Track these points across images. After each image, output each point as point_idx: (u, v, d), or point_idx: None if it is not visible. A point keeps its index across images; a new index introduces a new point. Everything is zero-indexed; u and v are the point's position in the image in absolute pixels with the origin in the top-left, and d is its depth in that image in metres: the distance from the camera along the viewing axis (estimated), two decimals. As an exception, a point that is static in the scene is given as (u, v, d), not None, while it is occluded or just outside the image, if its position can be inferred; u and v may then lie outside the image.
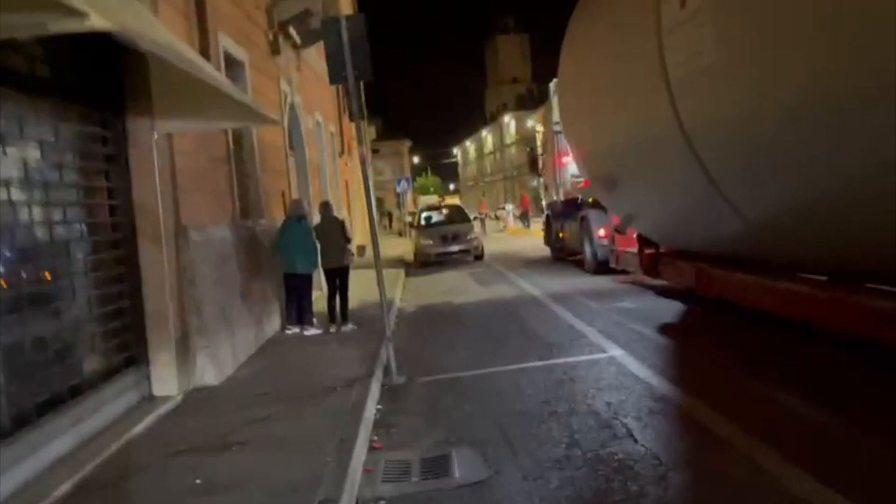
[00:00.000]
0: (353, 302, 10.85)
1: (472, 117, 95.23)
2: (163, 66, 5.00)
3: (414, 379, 6.50)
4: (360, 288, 13.99)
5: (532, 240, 25.14)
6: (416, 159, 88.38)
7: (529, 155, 18.04)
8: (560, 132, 15.41)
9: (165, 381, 5.89)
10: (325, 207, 9.17)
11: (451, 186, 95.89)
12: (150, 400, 5.76)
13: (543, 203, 19.68)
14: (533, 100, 70.83)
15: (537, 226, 32.89)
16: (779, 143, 5.16)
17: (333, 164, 17.57)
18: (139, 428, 5.21)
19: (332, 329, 8.79)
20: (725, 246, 7.49)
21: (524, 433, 4.67)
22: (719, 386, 5.35)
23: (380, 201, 55.96)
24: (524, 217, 35.15)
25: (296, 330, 8.75)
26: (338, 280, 8.94)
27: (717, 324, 7.73)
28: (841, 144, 4.62)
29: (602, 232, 12.66)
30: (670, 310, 8.68)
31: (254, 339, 7.92)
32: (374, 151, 60.03)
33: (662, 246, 10.06)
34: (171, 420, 5.45)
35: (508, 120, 71.51)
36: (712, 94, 5.67)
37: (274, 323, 8.99)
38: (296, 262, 8.64)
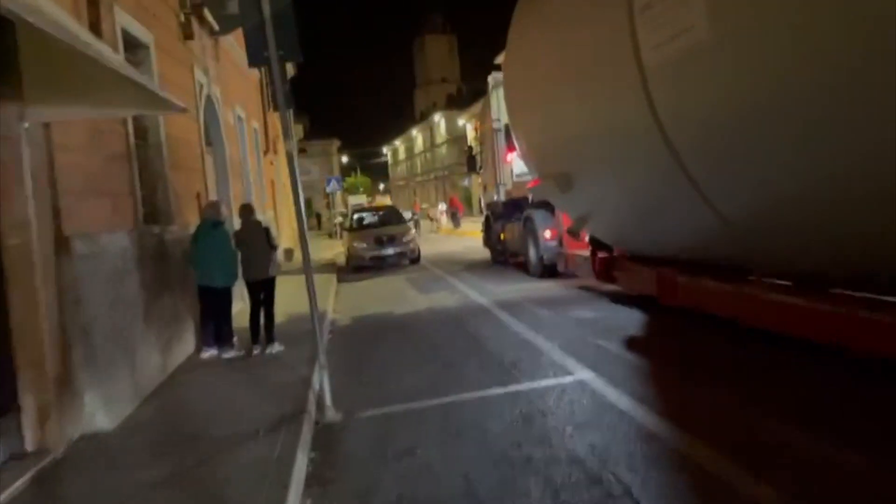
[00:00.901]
0: (279, 316, 9.78)
1: (402, 117, 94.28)
2: (36, 37, 3.88)
3: (354, 414, 5.52)
4: (288, 298, 12.85)
5: (467, 241, 24.40)
6: (344, 159, 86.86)
7: (467, 154, 17.21)
8: (500, 129, 14.69)
9: (42, 431, 4.71)
10: (246, 211, 8.03)
11: (381, 186, 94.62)
12: (21, 458, 4.58)
13: (482, 203, 18.94)
14: (462, 99, 70.43)
15: (469, 226, 32.25)
16: (777, 135, 4.45)
17: (257, 162, 16.30)
18: (2, 498, 4.05)
19: (256, 351, 7.69)
20: (696, 250, 6.81)
21: (498, 491, 3.77)
22: (719, 420, 4.58)
23: (308, 202, 54.45)
24: (454, 217, 34.43)
25: (213, 353, 7.61)
26: (262, 293, 7.84)
27: (687, 337, 7.04)
28: (857, 137, 3.94)
29: (548, 234, 11.94)
30: (631, 320, 7.97)
31: (161, 368, 6.75)
32: (302, 151, 58.45)
33: (616, 249, 9.41)
34: (45, 485, 4.30)
35: (439, 119, 70.81)
36: (698, 78, 4.92)
37: (187, 345, 7.81)
38: (213, 273, 7.51)
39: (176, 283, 7.56)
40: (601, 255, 9.53)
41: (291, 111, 7.18)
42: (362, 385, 6.35)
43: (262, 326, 7.79)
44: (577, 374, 5.84)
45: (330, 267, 18.13)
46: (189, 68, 9.86)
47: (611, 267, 9.32)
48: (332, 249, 24.03)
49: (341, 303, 12.20)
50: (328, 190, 32.17)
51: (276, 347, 7.65)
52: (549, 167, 8.64)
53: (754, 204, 5.26)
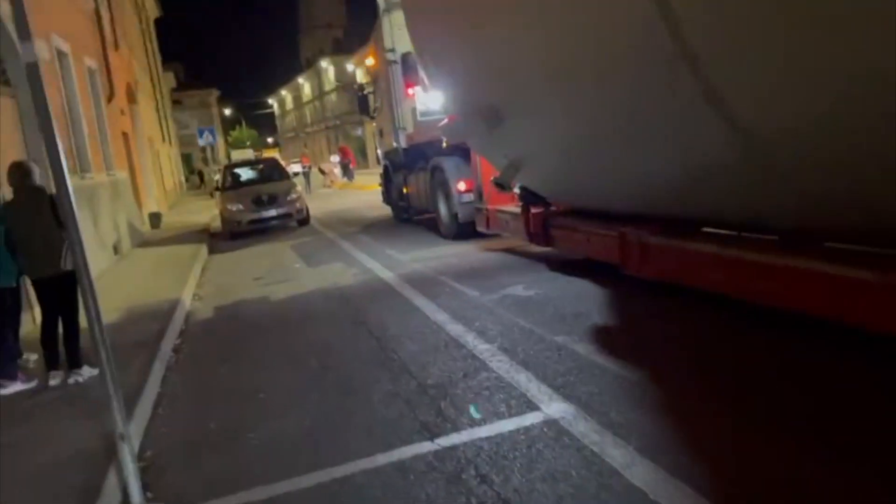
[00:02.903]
0: (113, 311, 7.25)
1: (288, 65, 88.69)
2: None
3: (182, 516, 3.24)
4: (142, 279, 10.16)
5: (364, 196, 21.97)
6: (227, 111, 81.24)
7: (359, 95, 14.67)
8: (395, 61, 12.26)
9: None
10: (18, 173, 5.21)
11: (270, 140, 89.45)
12: None
13: (378, 152, 16.54)
14: (350, 43, 66.23)
15: (366, 179, 29.65)
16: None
17: (96, 111, 13.13)
18: None
19: (54, 380, 5.15)
20: (684, 199, 4.83)
21: None
22: None
23: (186, 157, 49.83)
24: (346, 170, 31.64)
25: (-14, 388, 5.05)
26: (55, 295, 5.23)
27: (678, 325, 5.11)
28: None
29: (462, 185, 9.79)
30: (588, 299, 5.98)
31: None
32: (176, 102, 53.32)
33: (555, 204, 7.39)
34: None
35: (326, 65, 66.66)
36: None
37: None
38: (-28, 270, 4.90)
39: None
40: (535, 210, 7.50)
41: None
42: (207, 444, 4.02)
43: (62, 343, 5.24)
44: (543, 405, 3.77)
45: (201, 235, 15.30)
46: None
47: (547, 225, 7.30)
48: (211, 211, 20.95)
49: (207, 284, 9.64)
50: (201, 143, 28.54)
51: (86, 373, 5.14)
52: (472, 98, 6.42)
53: (789, 120, 3.28)
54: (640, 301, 5.68)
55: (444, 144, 10.20)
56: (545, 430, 3.48)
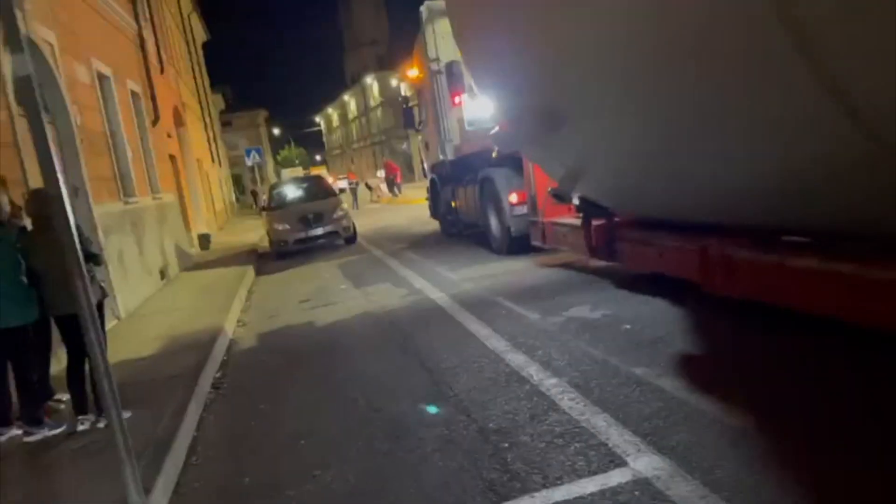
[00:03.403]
0: (164, 332, 6.92)
1: (333, 83, 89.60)
2: None
3: None
4: (188, 303, 9.88)
5: (411, 210, 21.56)
6: (276, 131, 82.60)
7: (404, 108, 14.25)
8: (440, 71, 11.80)
9: None
10: (39, 203, 4.85)
11: (318, 157, 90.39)
12: None
13: (424, 166, 16.10)
14: (394, 58, 66.35)
15: (412, 193, 29.28)
16: None
17: (140, 135, 13.01)
18: None
19: (82, 425, 4.76)
20: (789, 207, 4.16)
21: None
22: None
23: (237, 178, 50.49)
24: (391, 185, 31.29)
25: (11, 434, 4.69)
26: (79, 333, 4.82)
27: (779, 351, 4.43)
28: None
29: (514, 198, 9.19)
30: (664, 320, 5.33)
31: None
32: (226, 124, 54.19)
33: (620, 215, 6.74)
34: None
35: (371, 81, 67.04)
36: None
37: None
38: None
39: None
40: (597, 222, 6.87)
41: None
42: (241, 503, 3.53)
43: (90, 384, 4.84)
44: (630, 458, 3.16)
45: (249, 256, 15.07)
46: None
47: (611, 238, 6.67)
48: (259, 231, 20.82)
49: (252, 308, 9.28)
50: (248, 163, 28.53)
51: (96, 422, 4.71)
52: (526, 102, 5.84)
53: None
54: (727, 323, 5.00)
55: (494, 155, 9.65)
56: (636, 493, 2.87)
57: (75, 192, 8.64)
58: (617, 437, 3.38)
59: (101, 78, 10.74)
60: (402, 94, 16.11)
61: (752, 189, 4.20)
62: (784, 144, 3.42)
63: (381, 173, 33.66)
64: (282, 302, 9.33)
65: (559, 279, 7.54)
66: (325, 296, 9.13)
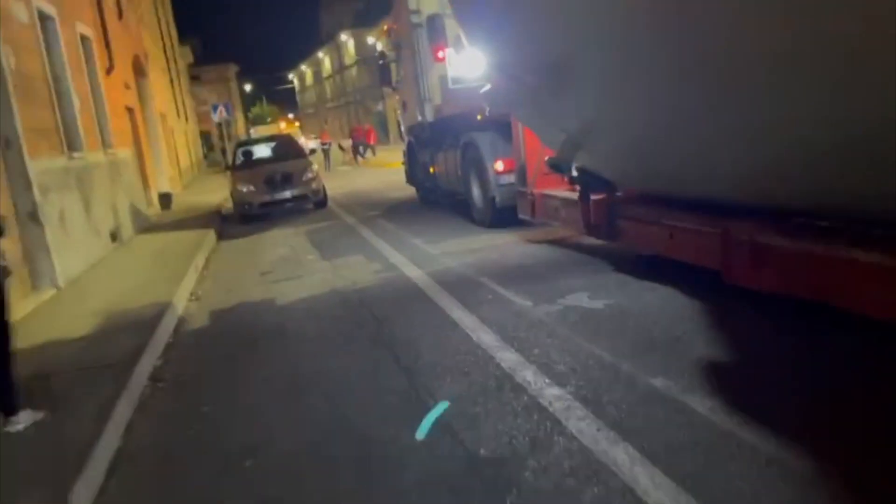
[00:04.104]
0: (104, 306, 6.10)
1: (308, 40, 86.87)
2: None
3: None
4: (138, 271, 8.97)
5: (385, 174, 20.65)
6: (248, 87, 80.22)
7: (379, 63, 13.26)
8: (420, 25, 10.85)
9: None
10: None
11: (291, 116, 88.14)
12: None
13: (401, 127, 15.16)
14: (371, 15, 64.07)
15: (387, 156, 28.21)
16: None
17: (93, 83, 11.87)
18: None
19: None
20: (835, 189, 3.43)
21: None
22: None
23: (205, 135, 48.68)
24: (356, 151, 29.98)
25: None
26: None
27: (831, 359, 3.74)
28: None
29: (500, 165, 8.39)
30: (678, 314, 4.61)
31: None
32: (194, 78, 52.09)
33: (624, 189, 5.99)
34: None
35: (346, 38, 64.90)
36: None
37: None
38: None
39: None
40: (596, 197, 6.11)
41: None
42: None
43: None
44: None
45: (211, 217, 14.10)
46: None
47: (615, 216, 5.92)
48: (225, 191, 19.74)
49: (208, 279, 8.41)
50: (216, 119, 27.20)
51: (24, 420, 3.90)
52: (526, 55, 5.00)
53: None
54: (755, 320, 4.31)
55: (479, 117, 8.82)
56: (684, 571, 2.16)
57: (6, 144, 7.64)
58: (646, 480, 2.65)
59: (44, 18, 9.60)
60: (379, 49, 15.09)
61: (785, 161, 3.48)
62: (827, 105, 2.68)
63: (345, 143, 32.22)
64: (242, 272, 8.48)
65: (550, 258, 6.80)
66: (289, 267, 8.30)
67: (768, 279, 4.11)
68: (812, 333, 3.93)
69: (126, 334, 5.65)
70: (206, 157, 45.75)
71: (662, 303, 4.86)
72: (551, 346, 4.26)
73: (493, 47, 5.67)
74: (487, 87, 6.19)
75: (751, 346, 3.97)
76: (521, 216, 7.79)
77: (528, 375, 3.85)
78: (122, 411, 4.16)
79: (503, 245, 7.70)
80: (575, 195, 6.33)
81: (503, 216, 8.43)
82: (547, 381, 3.73)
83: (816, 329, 3.92)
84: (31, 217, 7.77)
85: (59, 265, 8.02)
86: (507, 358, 4.17)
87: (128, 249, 10.91)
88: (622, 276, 5.70)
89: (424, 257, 7.63)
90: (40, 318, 6.63)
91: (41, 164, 8.13)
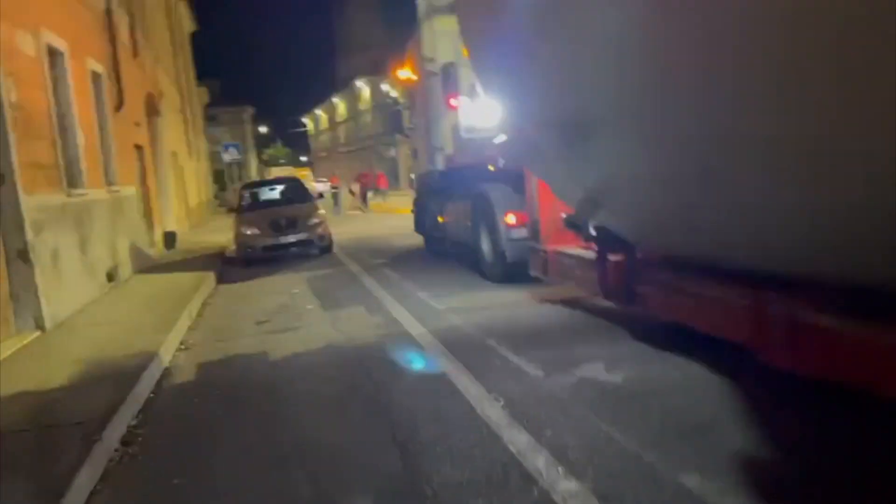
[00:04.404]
0: (86, 354, 5.72)
1: (323, 85, 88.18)
2: None
3: None
4: (129, 314, 8.59)
5: (394, 220, 20.32)
6: (263, 129, 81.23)
7: (391, 110, 13.08)
8: (435, 72, 10.68)
9: None
10: None
11: (304, 158, 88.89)
12: None
13: (412, 175, 14.91)
14: (386, 63, 65.03)
15: (397, 201, 28.00)
16: None
17: (101, 119, 11.72)
18: None
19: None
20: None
21: None
22: None
23: (218, 175, 48.85)
24: (364, 197, 29.73)
25: None
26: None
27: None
28: None
29: (512, 219, 8.05)
30: (707, 395, 4.16)
31: None
32: (211, 119, 52.62)
33: (645, 251, 5.59)
34: None
35: (361, 84, 65.77)
36: None
37: None
38: None
39: None
40: (615, 258, 5.71)
41: None
42: None
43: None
44: None
45: (214, 259, 13.77)
46: None
47: (634, 280, 5.51)
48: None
49: (201, 326, 8.01)
50: (226, 159, 27.36)
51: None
52: (546, 108, 4.68)
53: None
54: (796, 403, 3.85)
55: (491, 168, 8.52)
56: None
57: (1, 179, 7.36)
58: None
59: (53, 52, 9.45)
60: (391, 94, 14.96)
61: (828, 229, 3.09)
62: (880, 165, 2.30)
63: (355, 187, 32.08)
64: (237, 321, 8.07)
65: (563, 321, 6.37)
66: (287, 317, 7.89)
67: (809, 362, 3.66)
68: (866, 423, 3.47)
69: (104, 387, 5.23)
70: (217, 196, 45.84)
71: (688, 379, 4.42)
72: (565, 427, 3.81)
73: (511, 97, 5.36)
74: (502, 138, 5.86)
75: (795, 436, 3.51)
76: (532, 273, 7.38)
77: (540, 463, 3.39)
78: (82, 484, 3.71)
79: (513, 303, 7.29)
80: (591, 255, 5.93)
81: (514, 272, 8.03)
82: (561, 471, 3.28)
83: (870, 417, 3.47)
84: (21, 255, 7.43)
85: (46, 307, 7.65)
86: (516, 439, 3.72)
87: (123, 291, 10.55)
88: (642, 346, 5.27)
89: (429, 313, 7.22)
90: (18, 364, 6.23)
91: (37, 201, 7.84)
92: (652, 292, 5.33)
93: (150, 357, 6.10)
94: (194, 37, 37.27)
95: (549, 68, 4.41)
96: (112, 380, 5.42)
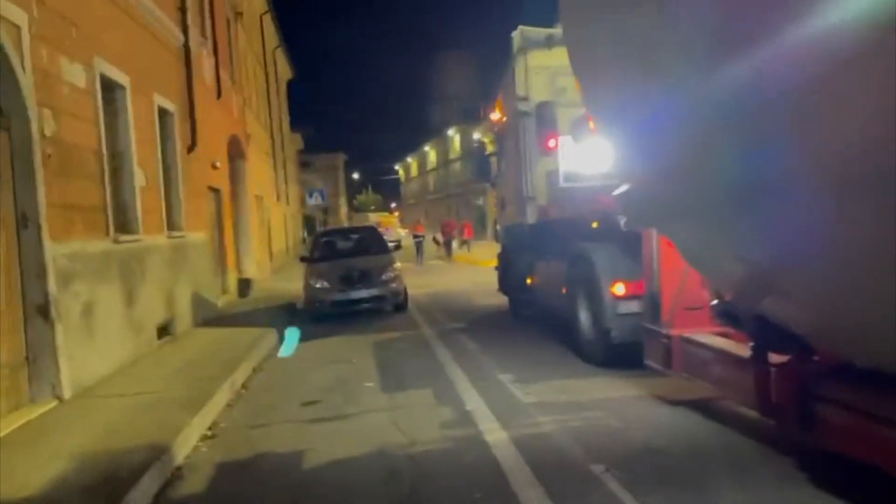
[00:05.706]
0: (89, 442, 4.40)
1: (417, 133, 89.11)
2: None
3: None
4: (163, 383, 7.45)
5: (477, 273, 18.92)
6: (356, 175, 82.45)
7: (478, 155, 11.79)
8: (528, 113, 9.31)
9: None
10: None
11: (393, 205, 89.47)
12: None
13: (498, 227, 13.52)
14: (478, 113, 64.50)
15: (482, 252, 26.60)
16: None
17: (167, 160, 10.97)
18: None
19: None
20: None
21: None
22: None
23: (309, 220, 49.12)
24: (447, 245, 28.64)
25: None
26: None
27: None
28: None
29: (621, 288, 6.45)
30: None
31: None
32: (304, 164, 53.43)
33: (824, 355, 3.86)
34: None
35: (453, 133, 65.60)
36: None
37: None
38: None
39: None
40: (779, 359, 4.00)
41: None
42: None
43: None
44: None
45: (282, 311, 12.70)
46: None
47: (809, 395, 3.78)
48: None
49: (242, 403, 6.74)
50: (310, 203, 26.78)
51: None
52: (700, 154, 3.14)
53: None
54: None
55: (595, 224, 6.97)
56: None
57: (23, 221, 6.43)
58: None
59: (112, 86, 8.70)
60: (479, 139, 13.69)
61: None
62: None
63: (439, 236, 31.01)
64: (283, 398, 6.77)
65: (695, 439, 4.66)
66: (339, 399, 6.51)
67: None
68: None
69: (89, 499, 3.97)
70: (304, 241, 45.96)
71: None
72: None
73: (639, 138, 3.81)
74: (624, 188, 4.28)
75: None
76: (647, 363, 5.70)
77: None
78: None
79: (621, 401, 5.62)
80: (742, 350, 4.26)
81: (621, 354, 6.40)
82: None
83: None
84: (41, 311, 6.42)
85: (67, 372, 6.58)
86: None
87: (172, 348, 9.49)
88: (821, 496, 3.52)
89: (511, 407, 5.66)
90: (10, 449, 5.08)
91: (67, 248, 6.88)
92: (832, 415, 3.62)
93: (158, 452, 4.82)
94: (291, 84, 37.83)
95: (700, 100, 2.88)
96: (106, 485, 4.17)
